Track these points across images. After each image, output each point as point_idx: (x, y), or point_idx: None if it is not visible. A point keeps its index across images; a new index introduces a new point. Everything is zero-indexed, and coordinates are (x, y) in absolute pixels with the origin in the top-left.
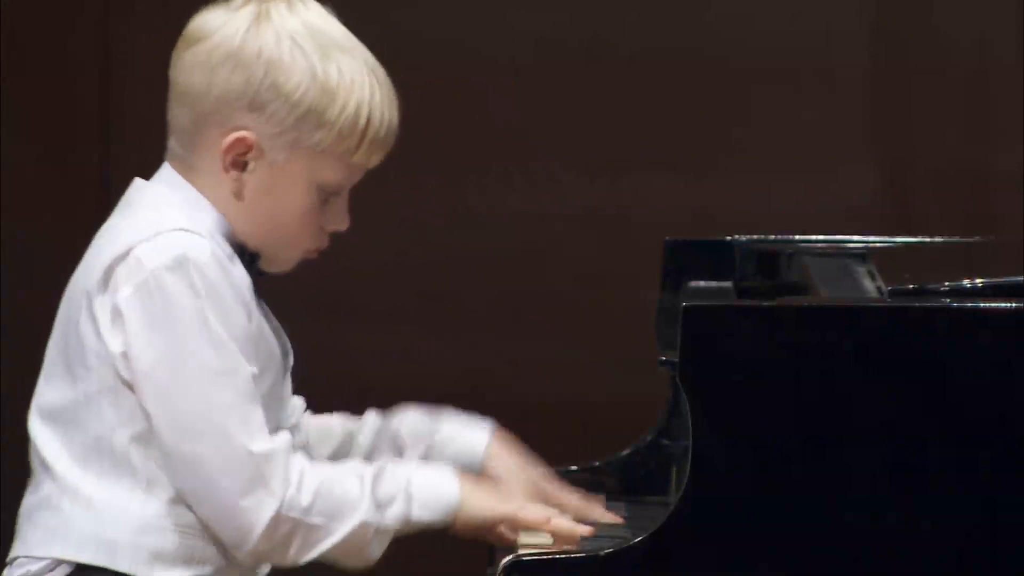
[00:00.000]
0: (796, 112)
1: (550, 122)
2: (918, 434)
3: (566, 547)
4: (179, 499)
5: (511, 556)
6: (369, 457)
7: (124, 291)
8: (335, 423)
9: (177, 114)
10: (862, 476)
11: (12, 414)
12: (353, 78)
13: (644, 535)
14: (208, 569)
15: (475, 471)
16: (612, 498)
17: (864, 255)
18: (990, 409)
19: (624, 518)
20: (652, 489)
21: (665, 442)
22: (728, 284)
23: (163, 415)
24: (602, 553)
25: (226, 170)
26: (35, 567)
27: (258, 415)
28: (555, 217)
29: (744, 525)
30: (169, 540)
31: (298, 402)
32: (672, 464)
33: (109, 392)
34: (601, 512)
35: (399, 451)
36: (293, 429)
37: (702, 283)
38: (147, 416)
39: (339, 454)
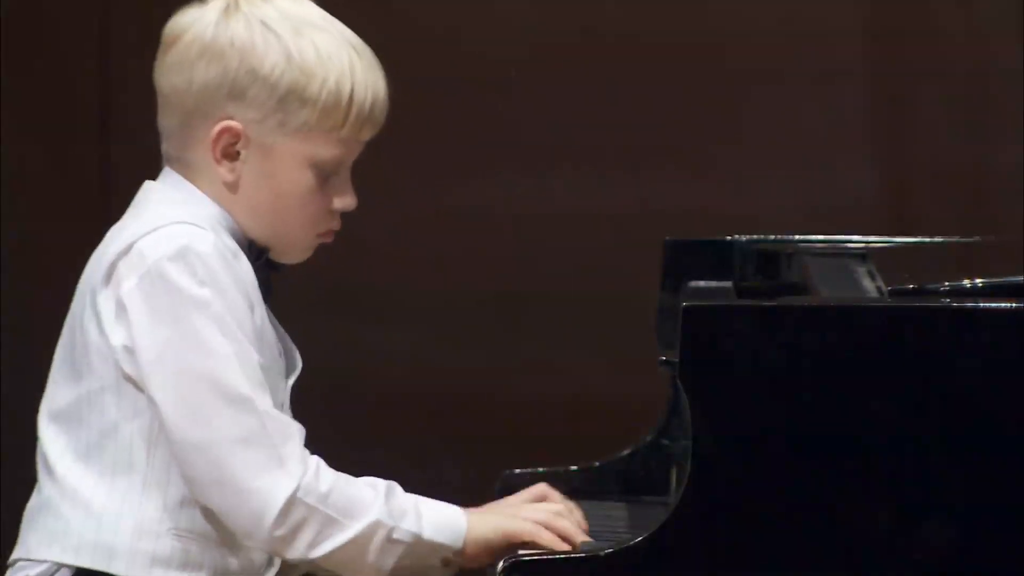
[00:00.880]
0: (796, 112)
1: (550, 122)
2: (918, 434)
3: (566, 548)
4: (177, 503)
5: (511, 556)
6: None
7: (127, 284)
8: None
9: (166, 118)
10: (862, 476)
11: (12, 414)
12: (330, 53)
13: (644, 535)
14: (205, 574)
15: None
16: (612, 498)
17: (864, 255)
18: (990, 409)
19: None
20: (652, 489)
21: (665, 442)
22: (728, 284)
23: (172, 403)
24: (602, 553)
25: (218, 162)
26: (35, 571)
27: (269, 399)
28: (555, 217)
29: (744, 525)
30: (166, 544)
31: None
32: (672, 464)
33: (112, 389)
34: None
35: None
36: None
37: (702, 283)
38: (154, 409)
39: None
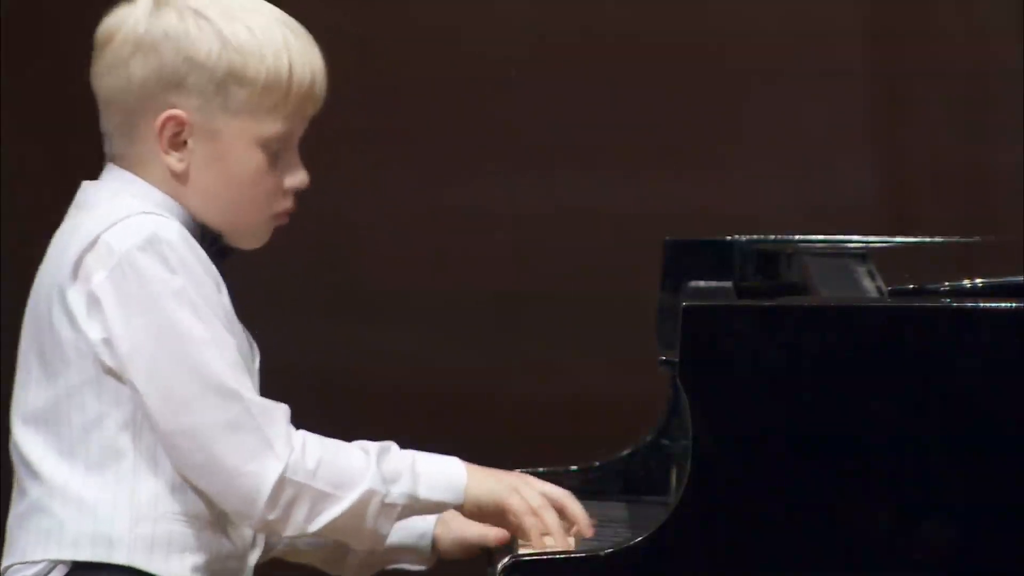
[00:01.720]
0: (796, 112)
1: (549, 121)
2: (918, 434)
3: (566, 547)
4: (169, 487)
5: (510, 556)
6: None
7: (97, 277)
8: None
9: (109, 120)
10: (862, 476)
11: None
12: (264, 33)
13: (644, 535)
14: (204, 556)
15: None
16: (612, 498)
17: (864, 255)
18: (990, 409)
19: (621, 519)
20: (652, 489)
21: (665, 442)
22: (728, 284)
23: (155, 393)
24: (602, 553)
25: (166, 152)
26: (30, 571)
27: (249, 382)
28: (554, 216)
29: (744, 525)
30: (163, 528)
31: None
32: (672, 464)
33: (91, 383)
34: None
35: None
36: None
37: (702, 283)
38: (137, 399)
39: None
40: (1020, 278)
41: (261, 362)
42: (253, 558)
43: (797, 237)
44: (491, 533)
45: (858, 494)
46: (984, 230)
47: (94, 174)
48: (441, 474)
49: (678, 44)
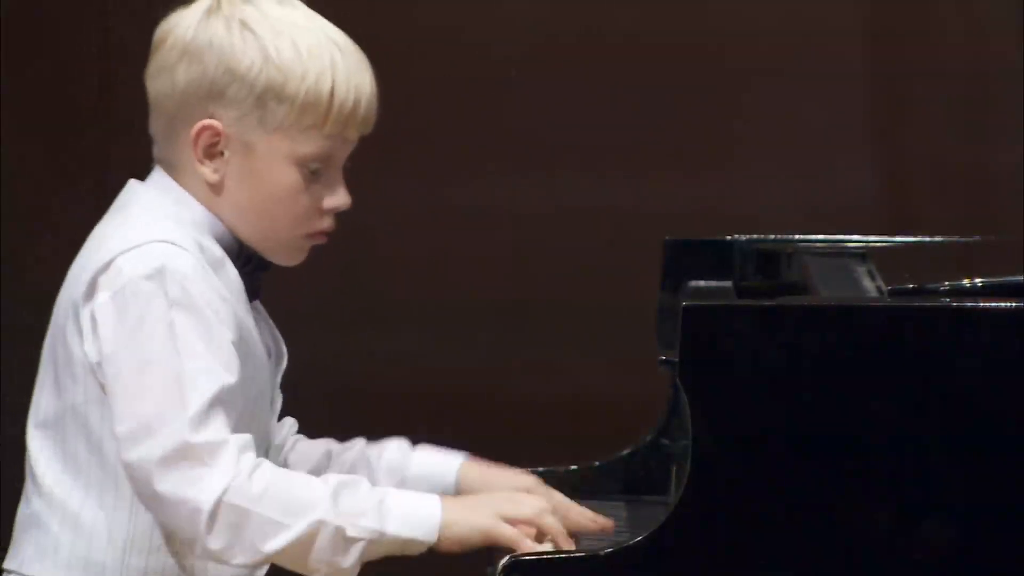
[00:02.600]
0: (796, 111)
1: (550, 122)
2: (918, 434)
3: (566, 547)
4: None
5: (511, 556)
6: None
7: (101, 297)
8: (320, 445)
9: (155, 122)
10: (862, 476)
11: (12, 416)
12: (310, 51)
13: (644, 535)
14: None
15: (449, 493)
16: (612, 498)
17: (864, 255)
18: (990, 409)
19: (621, 519)
20: (652, 489)
21: (665, 442)
22: (728, 284)
23: (126, 418)
24: (602, 553)
25: (201, 161)
26: None
27: (216, 419)
28: (554, 216)
29: (744, 525)
30: (155, 559)
31: (289, 421)
32: (672, 464)
33: (95, 403)
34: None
35: (373, 482)
36: (278, 448)
37: (702, 283)
38: (113, 426)
39: (317, 472)
40: (1020, 278)
41: (287, 369)
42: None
43: (797, 237)
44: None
45: (858, 494)
46: (984, 230)
47: (94, 174)
48: (413, 510)
49: (678, 44)
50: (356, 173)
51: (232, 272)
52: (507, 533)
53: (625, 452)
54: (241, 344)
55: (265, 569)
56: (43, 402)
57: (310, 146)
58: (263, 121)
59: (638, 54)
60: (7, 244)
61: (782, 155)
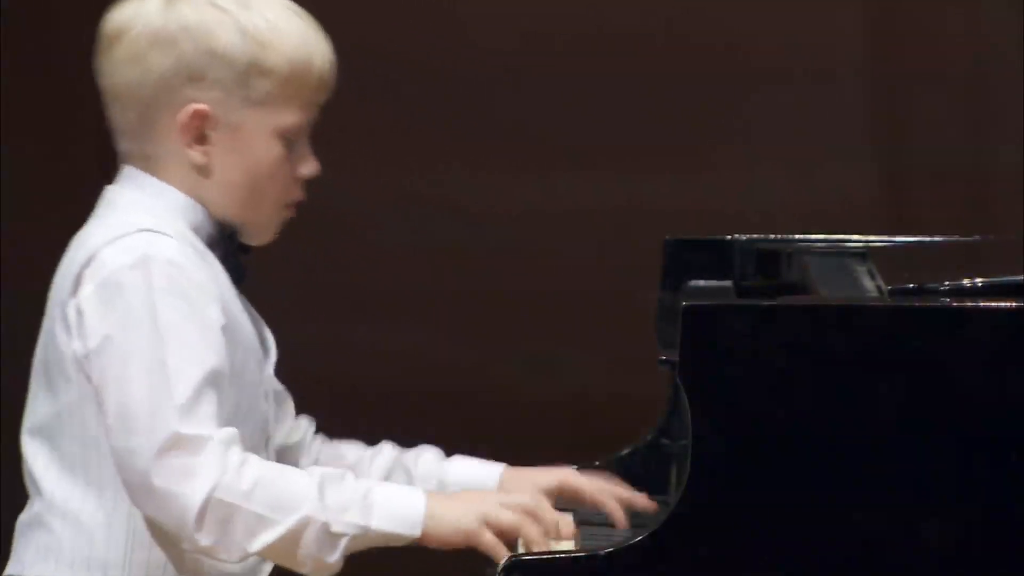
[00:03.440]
0: (796, 111)
1: (549, 121)
2: (918, 434)
3: (565, 547)
4: None
5: (511, 556)
6: None
7: (86, 290)
8: (348, 450)
9: (121, 115)
10: (862, 476)
11: (12, 416)
12: (280, 22)
13: (644, 535)
14: None
15: None
16: None
17: (864, 255)
18: (990, 409)
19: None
20: (652, 489)
21: (665, 442)
22: (728, 284)
23: (114, 409)
24: (602, 553)
25: (189, 147)
26: None
27: (204, 407)
28: (554, 216)
29: (744, 525)
30: (158, 552)
31: (305, 423)
32: (672, 464)
33: (90, 400)
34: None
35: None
36: (296, 447)
37: (702, 283)
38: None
39: None
40: (1020, 278)
41: (278, 362)
42: (266, 570)
43: (797, 237)
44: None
45: (858, 494)
46: (984, 230)
47: (94, 174)
48: (398, 505)
49: (678, 44)
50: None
51: (215, 263)
52: (486, 541)
53: (625, 452)
54: (229, 331)
55: (270, 568)
56: (38, 407)
57: (291, 117)
58: (247, 98)
59: (638, 54)
60: (7, 244)
61: (782, 155)
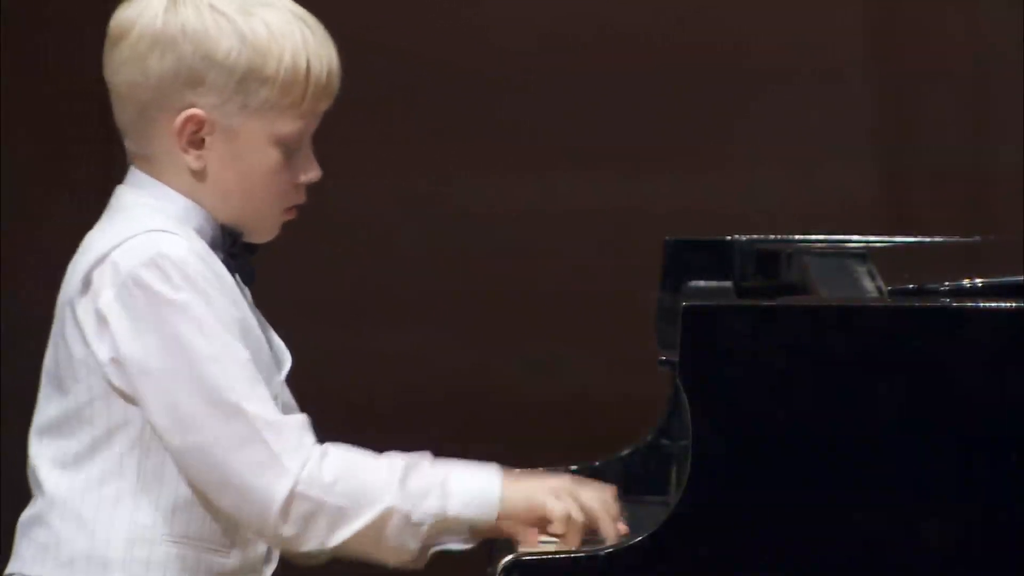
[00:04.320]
0: (796, 111)
1: (550, 121)
2: (918, 434)
3: (565, 547)
4: (171, 508)
5: (511, 556)
6: None
7: (105, 296)
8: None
9: (123, 114)
10: (862, 476)
11: (12, 416)
12: (282, 29)
13: (644, 535)
14: None
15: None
16: None
17: (864, 255)
18: (990, 409)
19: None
20: (652, 489)
21: (665, 442)
22: (728, 284)
23: (163, 411)
24: (602, 553)
25: (185, 151)
26: None
27: (261, 392)
28: (555, 216)
29: (744, 525)
30: (160, 551)
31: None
32: (672, 464)
33: (100, 400)
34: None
35: None
36: None
37: (702, 283)
38: (145, 419)
39: None
40: (1020, 278)
41: (294, 369)
42: (268, 572)
43: (797, 237)
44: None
45: (858, 494)
46: (984, 230)
47: (94, 174)
48: (475, 490)
49: (678, 44)
50: (354, 173)
51: (221, 268)
52: (551, 508)
53: (625, 452)
54: (243, 330)
55: (274, 566)
56: (48, 408)
57: (290, 125)
58: (245, 105)
59: (638, 54)
60: (7, 244)
61: (782, 155)
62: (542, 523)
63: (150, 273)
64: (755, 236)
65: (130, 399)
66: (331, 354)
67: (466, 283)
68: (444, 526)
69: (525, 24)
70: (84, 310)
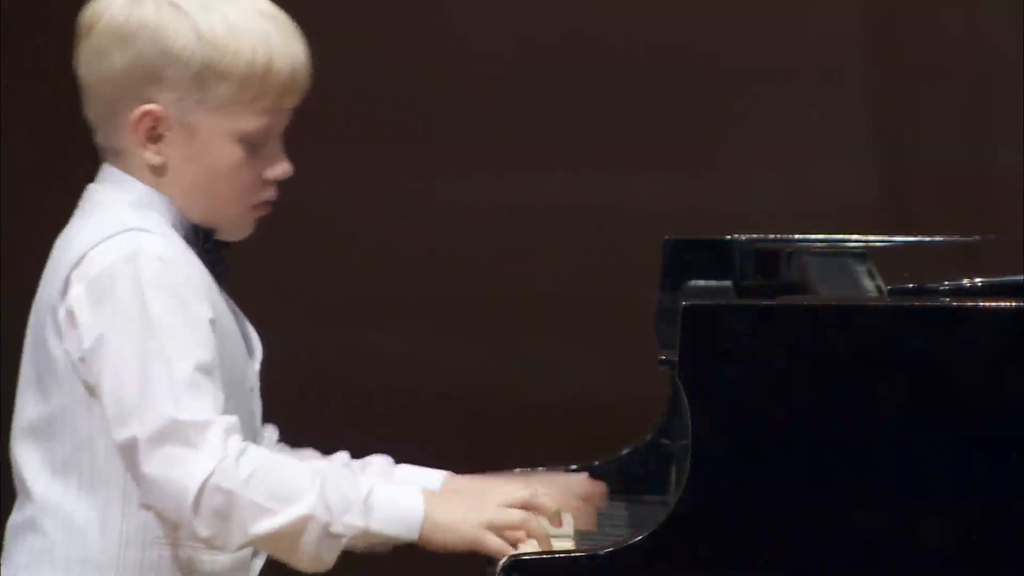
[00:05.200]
0: (796, 111)
1: (550, 120)
2: (917, 434)
3: (565, 547)
4: None
5: (510, 555)
6: None
7: (75, 290)
8: (304, 458)
9: (91, 108)
10: (861, 476)
11: (11, 416)
12: (242, 25)
13: (644, 535)
14: None
15: None
16: (612, 498)
17: (864, 255)
18: (990, 409)
19: (621, 519)
20: (652, 489)
21: (665, 442)
22: (728, 284)
23: (111, 404)
24: (602, 553)
25: (143, 146)
26: None
27: (201, 398)
28: (554, 216)
29: (744, 525)
30: (153, 552)
31: (270, 430)
32: (672, 464)
33: (82, 403)
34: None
35: None
36: None
37: (702, 283)
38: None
39: None
40: (1020, 278)
41: (264, 361)
42: (257, 566)
43: (797, 237)
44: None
45: (858, 494)
46: (984, 230)
47: (94, 174)
48: (397, 508)
49: (678, 44)
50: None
51: (196, 260)
52: (491, 546)
53: (625, 452)
54: (217, 326)
55: (260, 564)
56: (27, 409)
57: (251, 122)
58: (203, 101)
59: (637, 53)
60: (7, 244)
61: (782, 155)
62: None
63: (122, 270)
64: (754, 236)
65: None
66: (331, 354)
67: (466, 283)
68: (365, 539)
69: (522, 24)
70: (63, 310)
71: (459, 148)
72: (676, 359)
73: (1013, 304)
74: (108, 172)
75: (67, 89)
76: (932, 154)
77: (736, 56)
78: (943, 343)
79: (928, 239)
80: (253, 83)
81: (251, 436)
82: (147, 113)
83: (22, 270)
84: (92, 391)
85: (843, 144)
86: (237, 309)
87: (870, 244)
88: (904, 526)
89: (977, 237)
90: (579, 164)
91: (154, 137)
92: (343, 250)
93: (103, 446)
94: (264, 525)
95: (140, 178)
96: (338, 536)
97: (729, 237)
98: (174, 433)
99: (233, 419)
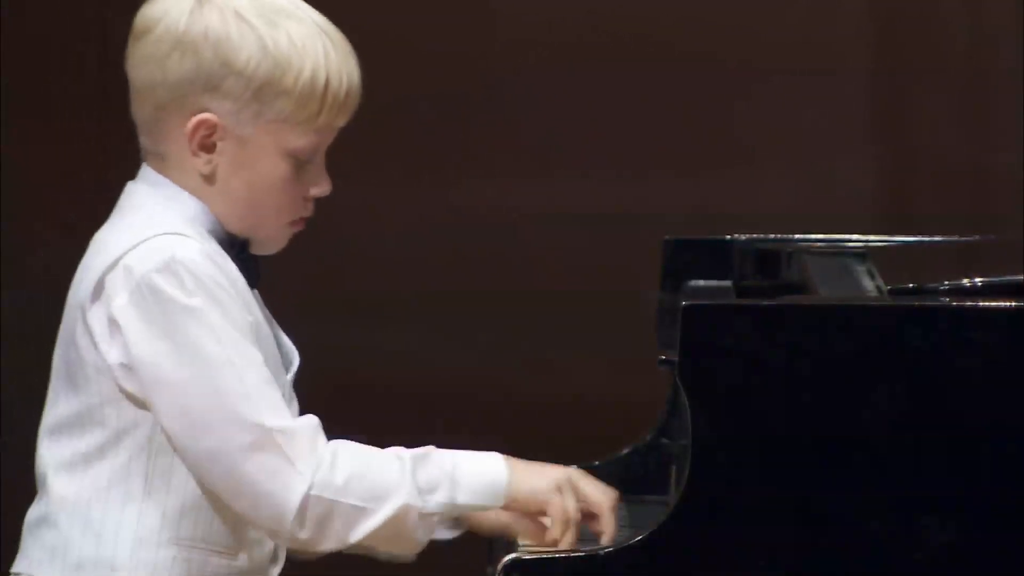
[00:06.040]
0: (796, 111)
1: (548, 122)
2: (917, 433)
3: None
4: (177, 512)
5: (511, 555)
6: None
7: (118, 300)
8: None
9: (139, 110)
10: (861, 475)
11: (12, 417)
12: (304, 42)
13: (644, 535)
14: None
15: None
16: None
17: (864, 255)
18: (990, 409)
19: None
20: (652, 489)
21: (665, 442)
22: (728, 283)
23: (176, 416)
24: (602, 552)
25: (195, 154)
26: None
27: (273, 397)
28: (554, 216)
29: (744, 525)
30: (167, 553)
31: None
32: (672, 464)
33: (110, 403)
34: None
35: None
36: None
37: (702, 282)
38: (155, 422)
39: None
40: (1020, 278)
41: (299, 369)
42: (275, 572)
43: (797, 237)
44: (520, 525)
45: (857, 494)
46: (984, 230)
47: (94, 174)
48: (481, 477)
49: (678, 43)
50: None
51: (231, 266)
52: (555, 507)
53: (625, 452)
54: (255, 331)
55: (280, 567)
56: (58, 408)
57: (302, 139)
58: (259, 114)
59: (638, 53)
60: (7, 244)
61: (782, 155)
62: (539, 515)
63: (164, 278)
64: (755, 236)
65: (140, 403)
66: (331, 354)
67: (466, 283)
68: (454, 513)
69: (525, 24)
70: (95, 315)
71: (464, 151)
72: (676, 359)
73: (1013, 304)
74: (148, 174)
75: (67, 89)
76: (932, 154)
77: (737, 56)
78: (943, 343)
79: (928, 239)
80: (311, 101)
81: None
82: (203, 122)
83: (22, 270)
84: (128, 395)
85: (843, 144)
86: (272, 318)
87: (870, 244)
88: (904, 526)
89: (977, 237)
90: (579, 165)
91: (207, 146)
92: (346, 251)
93: (128, 445)
94: (365, 526)
95: (182, 183)
96: (430, 515)
97: (729, 237)
98: (264, 442)
99: (315, 420)
